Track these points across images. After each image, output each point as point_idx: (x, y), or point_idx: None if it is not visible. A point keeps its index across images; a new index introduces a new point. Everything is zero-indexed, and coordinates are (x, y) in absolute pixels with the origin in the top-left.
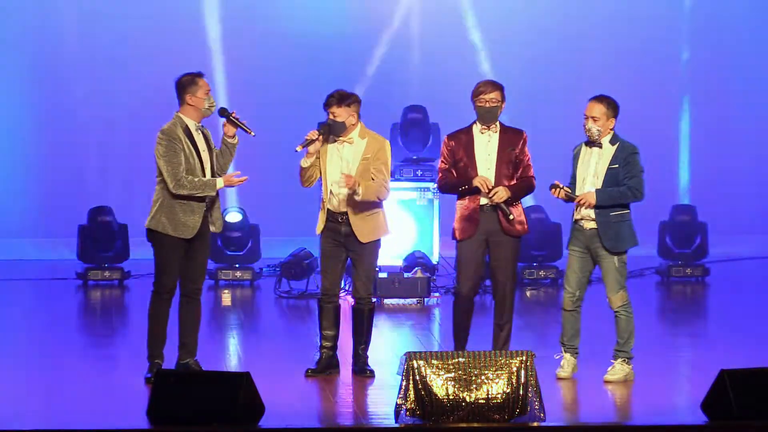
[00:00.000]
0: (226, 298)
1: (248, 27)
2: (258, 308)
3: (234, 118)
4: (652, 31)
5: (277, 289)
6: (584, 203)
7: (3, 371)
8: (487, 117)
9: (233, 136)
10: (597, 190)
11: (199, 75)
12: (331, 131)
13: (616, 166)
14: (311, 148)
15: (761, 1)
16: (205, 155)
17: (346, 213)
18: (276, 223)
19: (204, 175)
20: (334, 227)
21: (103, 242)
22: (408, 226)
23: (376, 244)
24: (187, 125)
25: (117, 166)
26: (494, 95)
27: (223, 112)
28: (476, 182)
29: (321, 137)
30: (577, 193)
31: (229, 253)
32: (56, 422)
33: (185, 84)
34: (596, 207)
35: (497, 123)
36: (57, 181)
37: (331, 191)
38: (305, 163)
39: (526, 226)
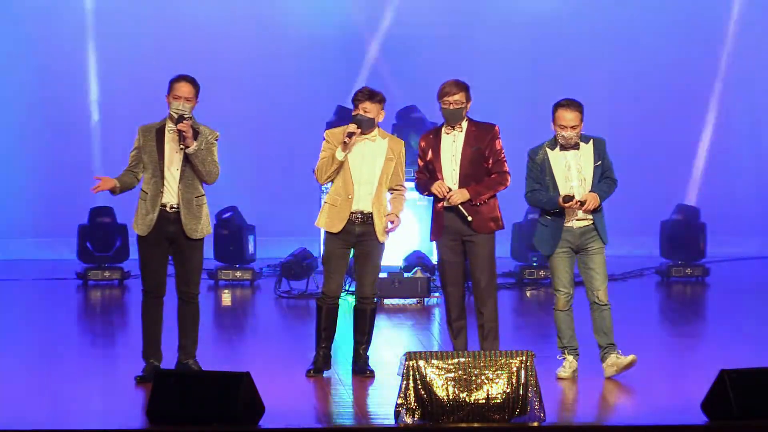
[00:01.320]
0: (226, 298)
1: (247, 27)
2: (258, 308)
3: (178, 129)
4: (651, 32)
5: (277, 289)
6: (591, 206)
7: (3, 371)
8: (451, 118)
9: (188, 146)
10: (597, 191)
11: (177, 78)
12: (361, 126)
13: (600, 162)
14: (350, 142)
15: (759, 2)
16: (172, 158)
17: (368, 213)
18: (276, 223)
19: (162, 177)
20: (348, 228)
21: (102, 242)
22: (408, 226)
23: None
24: (164, 125)
25: (117, 166)
26: (458, 96)
27: (178, 121)
28: (433, 189)
29: (359, 131)
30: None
31: (229, 253)
32: (56, 422)
33: (168, 84)
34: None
35: (465, 122)
36: (57, 181)
37: (353, 184)
38: (342, 156)
39: (500, 222)
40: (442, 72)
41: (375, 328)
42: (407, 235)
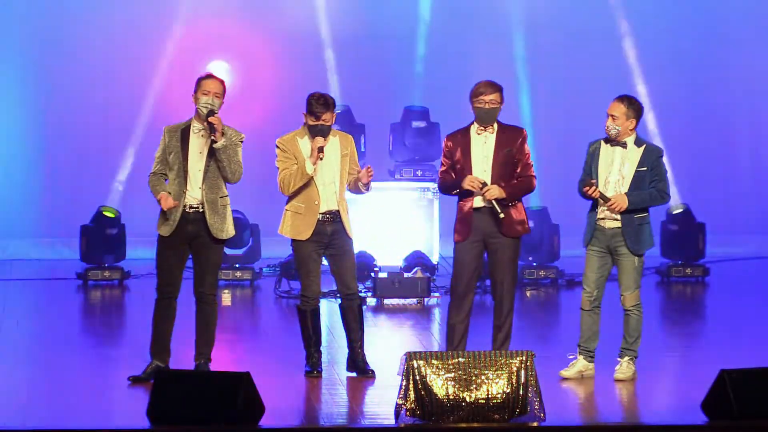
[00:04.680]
0: (226, 298)
1: (250, 26)
2: (258, 308)
3: (209, 121)
4: (648, 30)
5: (277, 289)
6: (616, 207)
7: (3, 371)
8: (485, 118)
9: (216, 141)
10: (628, 194)
11: (206, 76)
12: (326, 136)
13: (645, 168)
14: (323, 155)
15: (759, 1)
16: (196, 158)
17: (335, 211)
18: (276, 223)
19: (186, 179)
20: (320, 230)
21: (103, 243)
22: (408, 226)
23: None
24: (190, 125)
25: (117, 165)
26: (494, 97)
27: (208, 115)
28: (465, 184)
29: (326, 142)
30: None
31: (229, 253)
32: (56, 422)
33: (195, 82)
34: (626, 210)
35: (495, 123)
36: (57, 181)
37: (319, 193)
38: (312, 170)
39: (527, 226)
40: (444, 73)
41: (376, 328)
42: (407, 235)
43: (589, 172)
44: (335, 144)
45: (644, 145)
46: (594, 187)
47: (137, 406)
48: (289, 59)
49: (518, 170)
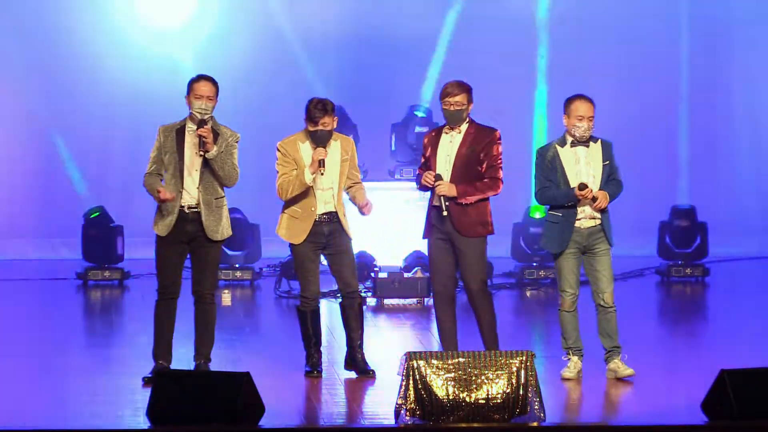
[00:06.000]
0: (226, 298)
1: (249, 26)
2: (258, 308)
3: (199, 134)
4: (650, 30)
5: (277, 289)
6: (602, 204)
7: (3, 371)
8: (451, 119)
9: (208, 150)
10: (605, 190)
11: (198, 78)
12: (325, 144)
13: (608, 162)
14: (323, 168)
15: (759, 2)
16: (192, 159)
17: (333, 212)
18: (276, 223)
19: (182, 178)
20: (317, 231)
21: (102, 242)
22: (408, 226)
23: None
24: (185, 125)
25: (117, 165)
26: (459, 98)
27: (198, 126)
28: (422, 179)
29: (326, 152)
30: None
31: (229, 253)
32: (56, 422)
33: (187, 85)
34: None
35: (466, 123)
36: (58, 181)
37: (316, 197)
38: (311, 179)
39: (489, 227)
40: (443, 73)
41: (375, 328)
42: (407, 235)
43: (549, 178)
44: (336, 148)
45: (599, 140)
46: (589, 189)
47: (137, 406)
48: (289, 59)
49: (483, 171)
